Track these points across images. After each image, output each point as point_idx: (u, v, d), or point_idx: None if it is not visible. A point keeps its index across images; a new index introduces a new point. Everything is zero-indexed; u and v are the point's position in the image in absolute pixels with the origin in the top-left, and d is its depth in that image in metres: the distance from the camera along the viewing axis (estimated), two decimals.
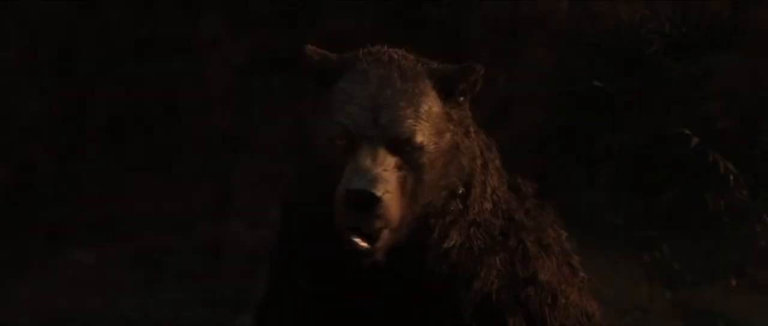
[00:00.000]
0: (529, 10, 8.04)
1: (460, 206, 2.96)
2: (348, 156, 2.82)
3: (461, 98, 2.99)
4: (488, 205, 3.03)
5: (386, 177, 2.79)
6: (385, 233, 2.83)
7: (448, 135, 2.93)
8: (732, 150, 7.37)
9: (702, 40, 7.64)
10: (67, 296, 7.08)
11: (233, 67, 7.83)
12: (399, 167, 2.83)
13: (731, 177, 7.25)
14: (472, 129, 3.03)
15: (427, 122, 2.89)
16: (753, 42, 7.81)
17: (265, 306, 3.16)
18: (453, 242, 2.96)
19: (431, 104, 2.91)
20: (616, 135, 7.34)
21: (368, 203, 2.75)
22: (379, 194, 2.75)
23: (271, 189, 6.97)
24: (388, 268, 2.89)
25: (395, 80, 2.89)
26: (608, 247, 7.04)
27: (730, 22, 7.71)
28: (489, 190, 3.04)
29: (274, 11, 7.78)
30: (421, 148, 2.87)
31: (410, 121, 2.86)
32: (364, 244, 2.81)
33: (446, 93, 2.96)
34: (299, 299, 3.01)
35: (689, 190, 7.33)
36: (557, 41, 7.94)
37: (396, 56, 2.97)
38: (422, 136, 2.87)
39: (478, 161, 3.01)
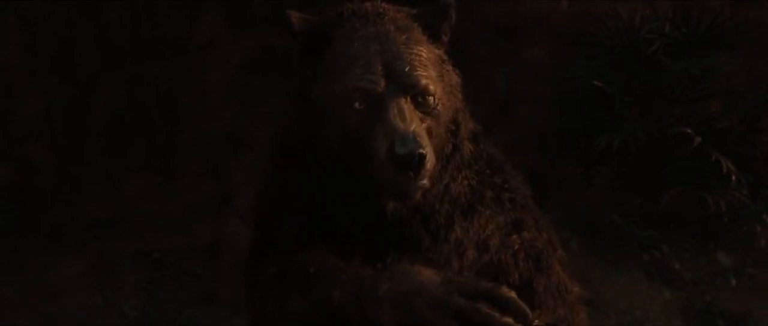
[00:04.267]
0: (529, 10, 8.04)
1: (453, 142, 2.94)
2: (372, 117, 2.78)
3: (444, 37, 2.98)
4: (471, 145, 3.00)
5: (421, 132, 2.78)
6: (423, 186, 2.81)
7: (445, 77, 2.93)
8: (732, 150, 7.38)
9: (702, 40, 7.65)
10: (67, 296, 7.08)
11: (233, 67, 7.83)
12: (421, 119, 2.82)
13: (732, 177, 7.25)
14: (450, 65, 3.00)
15: (431, 68, 2.87)
16: (753, 42, 7.81)
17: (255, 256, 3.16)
18: (452, 179, 2.94)
19: (428, 50, 2.89)
20: (616, 135, 7.33)
21: (417, 163, 2.74)
22: (425, 152, 2.74)
23: None
24: (397, 215, 2.88)
25: (393, 34, 2.86)
26: (608, 247, 7.04)
27: (730, 22, 7.71)
28: (470, 126, 3.03)
29: (274, 11, 7.77)
30: (434, 95, 2.85)
31: (420, 70, 2.83)
32: (405, 198, 2.82)
33: (433, 36, 2.94)
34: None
35: (689, 190, 7.33)
36: (557, 41, 7.94)
37: (382, 10, 2.93)
38: (433, 83, 2.85)
39: (460, 96, 2.99)
